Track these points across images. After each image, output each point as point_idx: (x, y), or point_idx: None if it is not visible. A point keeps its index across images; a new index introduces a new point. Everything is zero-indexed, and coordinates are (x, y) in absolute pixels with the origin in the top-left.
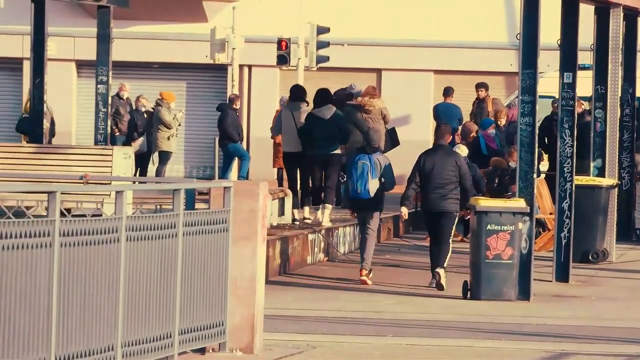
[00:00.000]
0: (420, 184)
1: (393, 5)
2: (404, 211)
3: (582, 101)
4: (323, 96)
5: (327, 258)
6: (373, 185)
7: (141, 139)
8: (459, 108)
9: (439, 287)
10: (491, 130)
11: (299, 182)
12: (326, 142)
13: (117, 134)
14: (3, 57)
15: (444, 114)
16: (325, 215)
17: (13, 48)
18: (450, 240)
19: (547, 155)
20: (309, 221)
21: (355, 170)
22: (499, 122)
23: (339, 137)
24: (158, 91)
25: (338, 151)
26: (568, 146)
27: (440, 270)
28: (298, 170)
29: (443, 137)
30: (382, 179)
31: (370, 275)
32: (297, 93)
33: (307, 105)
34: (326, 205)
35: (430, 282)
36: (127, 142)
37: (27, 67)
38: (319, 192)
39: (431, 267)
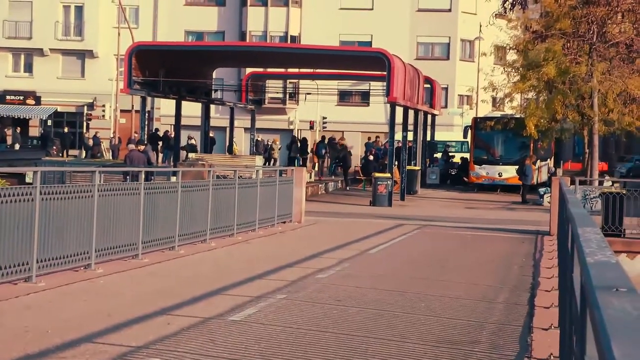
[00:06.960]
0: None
1: None
2: None
3: (410, 141)
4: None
5: (325, 192)
6: None
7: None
8: (373, 143)
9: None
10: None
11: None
12: None
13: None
14: (220, 126)
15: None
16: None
17: (223, 123)
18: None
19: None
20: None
21: None
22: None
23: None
24: (272, 138)
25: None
26: (405, 156)
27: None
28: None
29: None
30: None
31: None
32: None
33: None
34: None
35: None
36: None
37: (228, 130)
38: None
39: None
